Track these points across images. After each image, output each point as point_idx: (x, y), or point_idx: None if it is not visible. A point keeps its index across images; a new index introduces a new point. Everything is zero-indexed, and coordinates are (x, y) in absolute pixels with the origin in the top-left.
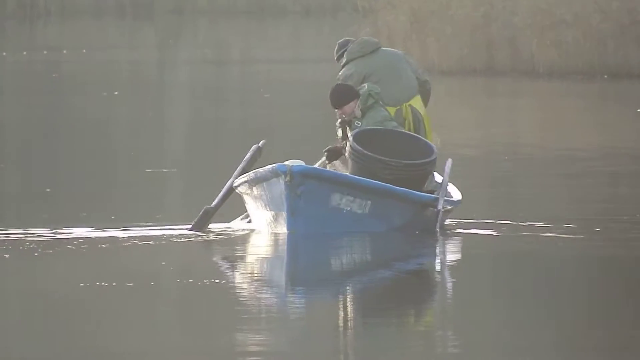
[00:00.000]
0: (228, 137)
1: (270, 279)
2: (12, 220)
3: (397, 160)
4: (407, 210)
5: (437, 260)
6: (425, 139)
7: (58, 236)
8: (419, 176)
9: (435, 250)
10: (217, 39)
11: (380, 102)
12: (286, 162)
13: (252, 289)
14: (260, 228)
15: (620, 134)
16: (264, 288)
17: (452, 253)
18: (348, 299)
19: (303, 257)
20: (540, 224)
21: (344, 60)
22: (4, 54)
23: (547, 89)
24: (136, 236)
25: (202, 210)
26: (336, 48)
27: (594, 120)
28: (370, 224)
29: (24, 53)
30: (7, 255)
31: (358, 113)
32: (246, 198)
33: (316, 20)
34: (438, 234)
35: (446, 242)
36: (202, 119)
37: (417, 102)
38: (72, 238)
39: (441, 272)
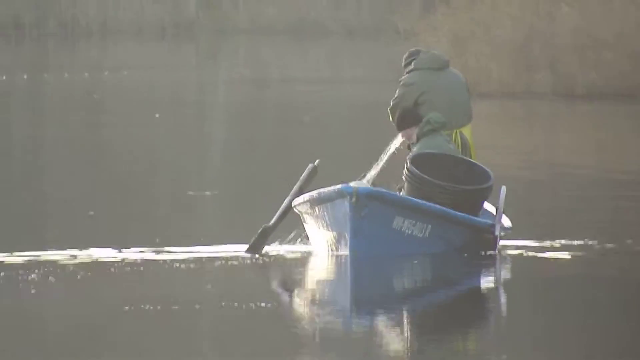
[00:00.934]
0: (270, 159)
1: (331, 300)
2: (54, 243)
3: (454, 185)
4: (465, 235)
5: (494, 283)
6: (482, 165)
7: (103, 259)
8: (476, 201)
9: (492, 273)
10: (258, 59)
11: (441, 132)
12: (351, 184)
13: (313, 311)
14: (319, 249)
15: None
16: (326, 310)
17: (508, 276)
18: (407, 322)
19: (364, 279)
20: (586, 245)
21: (411, 67)
22: (45, 75)
23: (587, 110)
24: (191, 258)
25: (260, 229)
26: (406, 55)
27: (632, 143)
28: (429, 248)
29: (66, 74)
30: (51, 278)
31: (414, 138)
32: (306, 217)
33: (358, 42)
34: (496, 259)
35: (502, 265)
36: (244, 140)
37: (467, 130)
38: (116, 260)
39: (498, 296)
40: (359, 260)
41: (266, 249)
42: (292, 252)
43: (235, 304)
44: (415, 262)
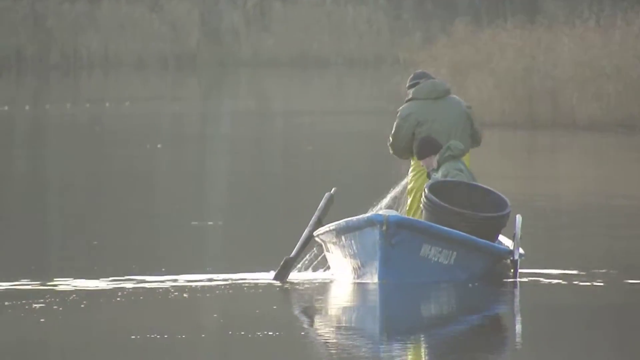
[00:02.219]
0: (273, 189)
1: (362, 328)
2: (58, 272)
3: (473, 212)
4: (487, 261)
5: (516, 311)
6: (498, 192)
7: (108, 288)
8: (494, 228)
9: (513, 301)
10: (260, 91)
11: (461, 159)
12: (380, 212)
13: (344, 339)
14: (343, 277)
15: None
16: (358, 337)
17: (530, 304)
18: (431, 349)
19: (392, 307)
20: (595, 274)
21: (411, 93)
22: (47, 106)
23: (588, 141)
24: (197, 287)
25: (283, 261)
26: (411, 76)
27: (635, 174)
28: (453, 274)
29: (67, 106)
30: (56, 307)
31: (435, 165)
32: (331, 247)
33: (358, 72)
34: (517, 286)
35: (523, 293)
36: (247, 170)
37: (465, 159)
38: (122, 289)
39: (521, 323)
40: (387, 288)
41: (290, 276)
42: (318, 279)
43: (278, 330)
44: (440, 289)
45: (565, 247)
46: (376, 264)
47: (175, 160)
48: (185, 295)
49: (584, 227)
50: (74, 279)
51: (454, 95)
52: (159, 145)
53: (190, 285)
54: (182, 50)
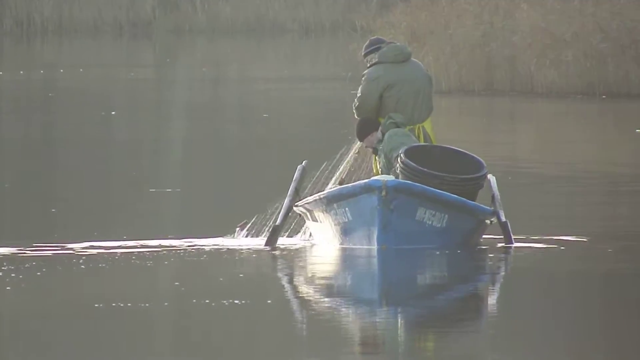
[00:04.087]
0: (229, 156)
1: (358, 294)
2: (17, 240)
3: (452, 175)
4: (474, 223)
5: (505, 278)
6: (472, 154)
7: (70, 255)
8: (473, 190)
9: (504, 267)
10: (216, 58)
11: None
12: (377, 177)
13: (312, 305)
14: (330, 244)
15: (619, 154)
16: (332, 303)
17: (519, 270)
18: (411, 319)
19: (392, 273)
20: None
21: (374, 58)
22: (1, 72)
23: (546, 108)
24: (174, 253)
25: (271, 229)
26: (367, 43)
27: (593, 140)
28: (445, 238)
29: (21, 72)
30: (14, 275)
31: (379, 136)
32: (318, 215)
33: (315, 39)
34: (511, 248)
35: (514, 258)
36: (202, 138)
37: (428, 125)
38: (84, 257)
39: (509, 290)
40: (381, 254)
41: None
42: (304, 246)
43: (207, 300)
44: (433, 255)
45: (530, 212)
46: (373, 229)
47: (130, 127)
48: (148, 263)
49: (545, 192)
50: (32, 245)
51: (414, 60)
52: (113, 112)
53: (153, 252)
54: (138, 17)
